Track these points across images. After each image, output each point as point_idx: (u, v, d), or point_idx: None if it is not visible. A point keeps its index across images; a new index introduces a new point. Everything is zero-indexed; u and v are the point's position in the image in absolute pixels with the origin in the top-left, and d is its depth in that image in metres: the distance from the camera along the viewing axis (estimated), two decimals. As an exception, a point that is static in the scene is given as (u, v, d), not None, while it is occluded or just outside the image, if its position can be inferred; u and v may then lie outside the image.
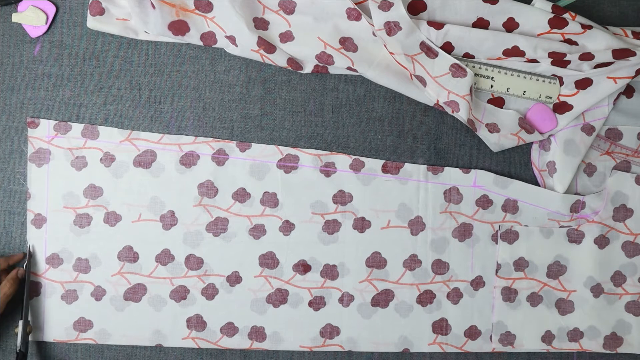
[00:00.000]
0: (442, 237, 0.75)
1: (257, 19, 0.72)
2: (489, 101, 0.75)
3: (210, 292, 0.74)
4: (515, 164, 0.77)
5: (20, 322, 0.69)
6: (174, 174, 0.74)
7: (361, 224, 0.75)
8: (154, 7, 0.69)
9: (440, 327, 0.75)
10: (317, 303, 0.74)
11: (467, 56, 0.73)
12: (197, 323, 0.74)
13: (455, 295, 0.75)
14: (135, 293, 0.73)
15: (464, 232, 0.75)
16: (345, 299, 0.75)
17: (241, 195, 0.74)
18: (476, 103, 0.73)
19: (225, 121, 0.75)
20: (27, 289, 0.71)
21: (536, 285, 0.76)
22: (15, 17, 0.72)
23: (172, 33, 0.71)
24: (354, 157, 0.75)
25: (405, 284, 0.75)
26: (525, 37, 0.71)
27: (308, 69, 0.74)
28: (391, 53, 0.72)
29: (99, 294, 0.73)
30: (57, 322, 0.73)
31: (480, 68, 0.73)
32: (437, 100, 0.72)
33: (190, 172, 0.74)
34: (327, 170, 0.75)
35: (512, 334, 0.75)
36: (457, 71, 0.71)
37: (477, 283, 0.76)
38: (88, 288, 0.73)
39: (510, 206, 0.75)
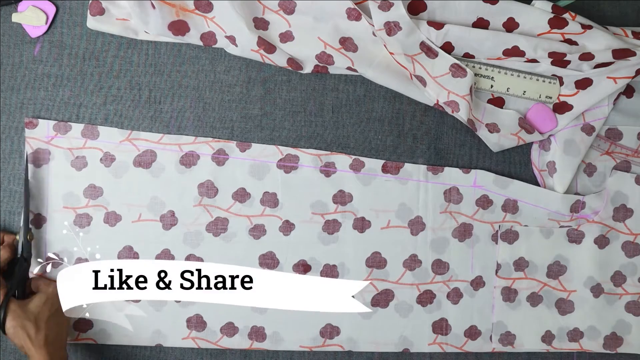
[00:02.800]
0: (442, 237, 0.75)
1: (257, 19, 0.72)
2: (489, 101, 0.75)
3: (210, 292, 0.74)
4: (515, 164, 0.77)
5: (21, 228, 0.69)
6: (174, 174, 0.74)
7: (361, 224, 0.75)
8: (154, 7, 0.69)
9: (440, 327, 0.75)
10: (317, 303, 0.75)
11: (467, 56, 0.73)
12: (197, 323, 0.74)
13: (455, 295, 0.75)
14: (135, 293, 0.73)
15: (464, 232, 0.75)
16: (345, 299, 0.75)
17: (241, 195, 0.74)
18: (476, 103, 0.73)
19: (225, 121, 0.75)
20: (26, 198, 0.70)
21: (536, 285, 0.76)
22: (15, 17, 0.72)
23: (172, 33, 0.71)
24: (354, 157, 0.75)
25: (405, 284, 0.75)
26: (525, 37, 0.71)
27: (308, 69, 0.74)
28: (391, 53, 0.72)
29: (99, 294, 0.73)
30: (57, 322, 0.73)
31: (480, 68, 0.73)
32: (437, 100, 0.72)
33: (190, 172, 0.74)
34: (327, 170, 0.75)
35: (512, 334, 0.75)
36: (457, 71, 0.71)
37: (477, 283, 0.76)
38: (88, 288, 0.73)
39: (510, 206, 0.75)
